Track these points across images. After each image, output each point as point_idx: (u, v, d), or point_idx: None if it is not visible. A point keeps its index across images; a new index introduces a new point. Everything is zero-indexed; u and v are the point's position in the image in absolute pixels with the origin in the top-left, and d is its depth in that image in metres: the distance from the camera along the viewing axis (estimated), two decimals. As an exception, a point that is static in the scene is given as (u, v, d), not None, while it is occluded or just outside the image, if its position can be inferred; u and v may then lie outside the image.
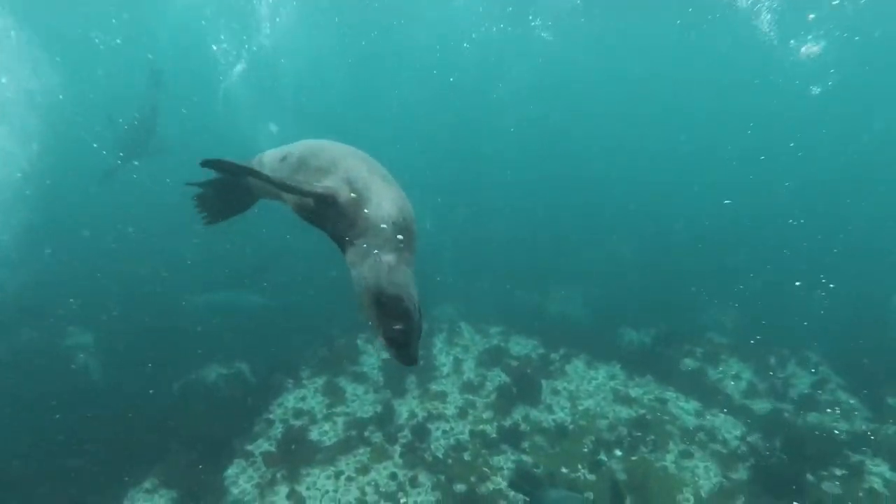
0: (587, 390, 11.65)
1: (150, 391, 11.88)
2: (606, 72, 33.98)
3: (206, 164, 3.92)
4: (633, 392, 11.57)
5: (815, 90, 23.92)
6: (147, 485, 9.00)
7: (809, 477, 9.08)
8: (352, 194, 2.97)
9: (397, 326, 2.52)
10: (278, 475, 9.05)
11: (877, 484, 8.85)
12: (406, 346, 2.54)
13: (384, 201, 2.91)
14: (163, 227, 20.51)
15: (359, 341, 13.31)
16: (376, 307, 2.62)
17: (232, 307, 14.99)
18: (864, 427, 10.33)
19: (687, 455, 9.88)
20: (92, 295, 15.86)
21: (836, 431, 10.25)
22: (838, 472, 9.07)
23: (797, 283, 14.73)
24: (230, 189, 4.10)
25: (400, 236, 2.84)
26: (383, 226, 2.83)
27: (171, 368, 12.75)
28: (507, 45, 29.48)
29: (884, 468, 9.19)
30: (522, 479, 9.17)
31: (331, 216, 3.06)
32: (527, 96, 34.66)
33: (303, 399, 11.13)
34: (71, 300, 15.34)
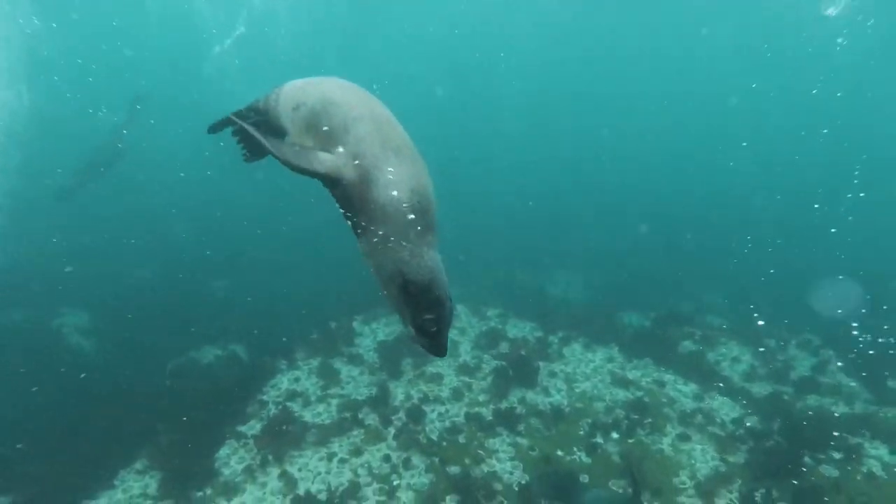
0: (584, 373, 11.53)
1: (144, 372, 11.80)
2: (613, 48, 33.41)
3: (213, 129, 3.73)
4: (631, 374, 11.45)
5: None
6: (138, 465, 8.93)
7: (807, 460, 8.97)
8: (357, 175, 2.67)
9: (429, 316, 2.35)
10: (270, 456, 8.97)
11: (875, 467, 8.74)
12: (438, 336, 2.38)
13: (395, 182, 2.62)
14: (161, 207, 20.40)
15: (355, 323, 13.18)
16: (404, 296, 2.42)
17: None
18: (863, 410, 10.20)
19: (684, 438, 9.77)
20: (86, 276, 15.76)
21: (836, 414, 10.13)
22: (836, 456, 8.96)
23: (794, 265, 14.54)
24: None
25: (415, 217, 2.57)
26: (394, 210, 2.56)
27: (166, 350, 12.67)
28: (511, 14, 28.92)
29: (882, 451, 9.08)
30: None
31: (338, 197, 2.79)
32: (530, 72, 34.19)
33: (297, 380, 11.02)
34: (68, 269, 15.21)
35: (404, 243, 2.50)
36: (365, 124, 2.84)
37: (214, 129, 3.96)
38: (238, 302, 14.58)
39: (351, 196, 2.68)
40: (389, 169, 2.66)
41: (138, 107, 16.33)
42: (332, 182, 2.72)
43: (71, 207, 17.03)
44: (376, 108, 3.03)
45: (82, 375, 11.21)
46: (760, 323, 13.21)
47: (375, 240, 2.58)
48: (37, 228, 17.62)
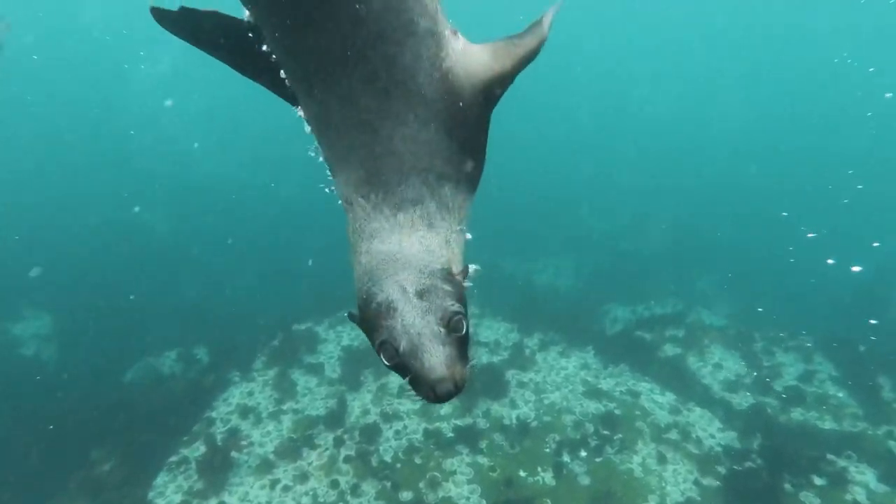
0: (555, 381, 10.86)
1: (98, 383, 11.36)
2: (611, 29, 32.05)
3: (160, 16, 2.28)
4: (605, 384, 10.77)
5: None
6: (72, 491, 8.45)
7: (787, 486, 8.30)
8: None
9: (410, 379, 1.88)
10: (209, 484, 8.45)
11: (859, 496, 8.05)
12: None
13: None
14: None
15: (320, 328, 12.58)
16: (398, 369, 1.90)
17: None
18: (851, 426, 9.47)
19: (656, 457, 9.13)
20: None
21: (821, 431, 9.41)
22: (818, 482, 8.27)
23: (791, 260, 13.67)
24: None
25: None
26: None
27: (125, 357, 12.22)
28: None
29: (869, 476, 8.37)
30: None
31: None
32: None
33: (250, 394, 10.48)
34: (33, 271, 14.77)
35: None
36: None
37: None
38: (205, 305, 14.03)
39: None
40: None
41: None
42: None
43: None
44: None
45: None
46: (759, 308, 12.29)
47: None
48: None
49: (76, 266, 16.03)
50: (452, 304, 1.85)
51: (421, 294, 1.86)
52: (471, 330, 1.97)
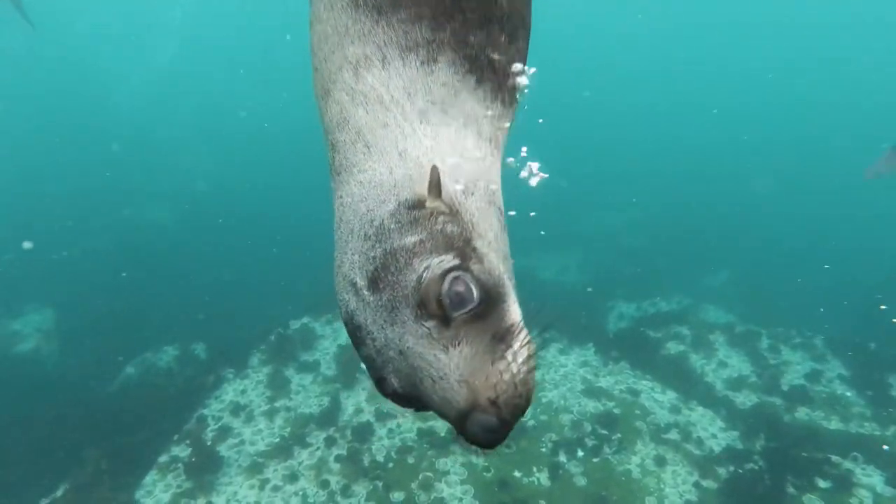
0: (553, 380, 10.62)
1: (95, 377, 11.36)
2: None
3: None
4: (604, 382, 10.51)
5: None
6: (59, 493, 8.39)
7: (790, 489, 8.01)
8: None
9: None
10: (198, 484, 8.34)
11: (866, 499, 7.74)
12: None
13: None
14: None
15: (317, 324, 12.43)
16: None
17: None
18: (858, 427, 9.13)
19: (655, 458, 8.87)
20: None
21: (827, 431, 9.09)
22: (823, 484, 7.97)
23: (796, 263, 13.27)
24: None
25: None
26: None
27: (123, 354, 12.19)
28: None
29: (876, 479, 8.05)
30: None
31: None
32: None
33: (243, 392, 10.36)
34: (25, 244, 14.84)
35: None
36: None
37: None
38: (204, 301, 13.97)
39: None
40: None
41: None
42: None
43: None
44: None
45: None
46: (755, 317, 12.07)
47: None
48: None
49: (78, 263, 16.10)
50: (422, 262, 1.10)
51: (374, 278, 1.13)
52: (494, 276, 1.17)
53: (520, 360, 1.08)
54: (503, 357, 1.07)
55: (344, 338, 11.97)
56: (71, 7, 29.43)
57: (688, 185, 22.90)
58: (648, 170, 24.42)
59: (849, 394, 9.80)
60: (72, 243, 17.11)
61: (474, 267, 1.11)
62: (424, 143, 1.26)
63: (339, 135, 1.29)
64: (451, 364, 1.04)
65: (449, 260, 1.09)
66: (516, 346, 1.10)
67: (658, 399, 10.08)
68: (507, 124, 1.46)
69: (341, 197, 1.26)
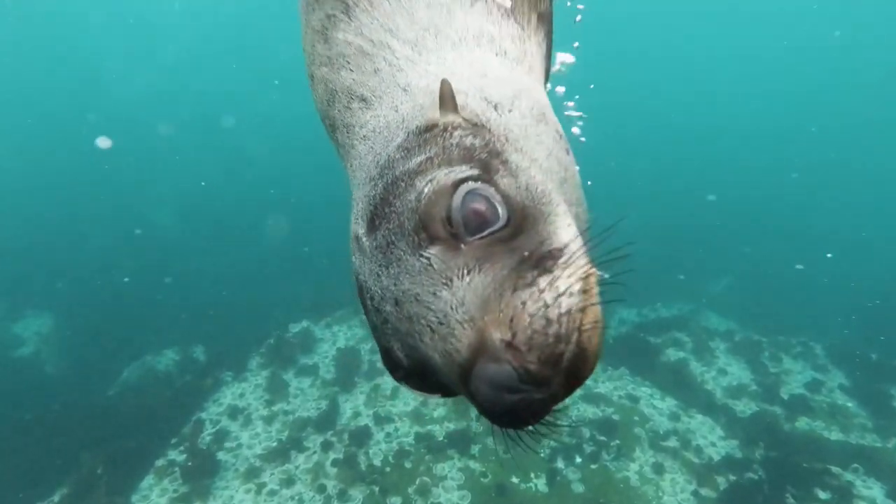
0: (553, 386, 10.57)
1: (95, 381, 11.34)
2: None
3: None
4: (604, 387, 10.47)
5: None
6: (56, 497, 8.37)
7: (790, 500, 7.95)
8: None
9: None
10: (194, 489, 8.32)
11: (866, 511, 7.68)
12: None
13: None
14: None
15: (316, 328, 12.41)
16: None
17: None
18: (859, 438, 9.06)
19: (654, 465, 8.82)
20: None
21: (828, 442, 9.02)
22: (823, 496, 7.91)
23: (799, 267, 13.19)
24: None
25: None
26: None
27: (122, 357, 12.19)
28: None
29: (876, 491, 7.98)
30: None
31: None
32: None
33: (241, 395, 10.35)
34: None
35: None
36: None
37: None
38: (205, 302, 13.96)
39: None
40: None
41: None
42: None
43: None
44: None
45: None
46: (768, 313, 11.97)
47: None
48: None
49: (78, 267, 16.10)
50: (425, 178, 0.85)
51: (371, 217, 0.89)
52: (534, 193, 0.88)
53: (562, 287, 0.76)
54: (532, 283, 0.74)
55: (343, 341, 11.96)
56: (71, 7, 29.46)
57: (691, 192, 22.81)
58: (650, 174, 24.34)
59: (850, 404, 9.73)
60: (72, 248, 17.12)
61: (502, 181, 0.84)
62: (430, 70, 1.09)
63: (332, 109, 1.18)
64: (454, 300, 0.74)
65: (463, 170, 0.83)
66: (558, 270, 0.78)
67: (657, 406, 10.03)
68: (538, 48, 1.27)
69: (351, 166, 1.10)
